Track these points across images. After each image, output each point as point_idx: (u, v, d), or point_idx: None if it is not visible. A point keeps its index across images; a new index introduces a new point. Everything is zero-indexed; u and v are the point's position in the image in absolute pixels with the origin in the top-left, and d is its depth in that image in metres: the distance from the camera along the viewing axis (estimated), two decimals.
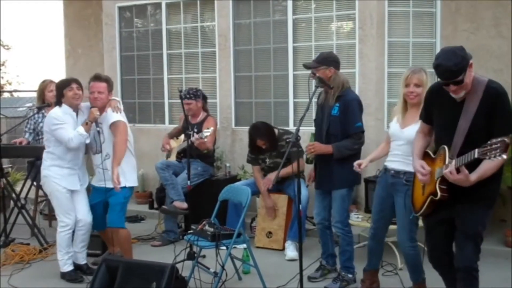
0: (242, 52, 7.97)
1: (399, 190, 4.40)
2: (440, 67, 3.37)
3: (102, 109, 5.40)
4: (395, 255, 5.62)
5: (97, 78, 5.44)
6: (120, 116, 5.38)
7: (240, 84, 8.04)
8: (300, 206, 4.46)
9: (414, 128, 4.18)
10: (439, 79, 3.45)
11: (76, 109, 5.39)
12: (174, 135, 7.20)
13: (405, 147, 4.38)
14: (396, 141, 4.52)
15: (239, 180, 7.05)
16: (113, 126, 5.34)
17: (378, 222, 4.67)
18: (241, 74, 8.01)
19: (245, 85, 8.03)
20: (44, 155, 5.43)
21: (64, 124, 5.24)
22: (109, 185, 5.29)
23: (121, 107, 5.46)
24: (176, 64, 8.52)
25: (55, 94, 5.47)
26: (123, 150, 5.31)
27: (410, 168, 4.08)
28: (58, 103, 5.38)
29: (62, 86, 5.36)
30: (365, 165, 4.68)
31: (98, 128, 5.35)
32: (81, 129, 5.26)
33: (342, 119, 4.92)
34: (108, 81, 5.45)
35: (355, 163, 4.72)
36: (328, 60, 5.04)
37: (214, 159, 7.29)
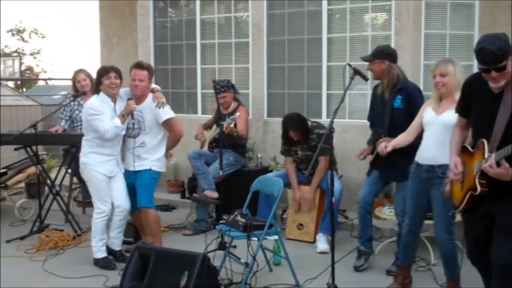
0: (275, 43, 7.93)
1: (435, 183, 4.33)
2: (483, 51, 3.25)
3: (142, 97, 5.44)
4: (429, 250, 5.54)
5: (139, 65, 5.47)
6: (171, 111, 5.49)
7: (273, 75, 8.00)
8: (333, 198, 4.42)
9: (450, 113, 4.13)
10: (479, 66, 3.34)
11: (114, 97, 5.43)
12: (208, 126, 7.21)
13: (440, 134, 4.29)
14: (430, 129, 4.42)
15: (271, 171, 7.03)
16: (167, 124, 5.48)
17: (413, 218, 4.60)
18: (274, 65, 7.96)
19: (278, 76, 7.99)
20: (83, 142, 5.49)
21: (100, 114, 5.28)
22: (138, 168, 5.47)
23: (164, 100, 5.50)
24: (209, 54, 8.51)
25: (95, 81, 5.50)
26: (177, 142, 5.60)
27: (445, 160, 4.00)
28: (97, 90, 5.43)
29: (101, 73, 5.39)
30: (390, 149, 4.72)
31: (132, 120, 5.41)
32: (117, 121, 5.29)
33: (406, 111, 4.90)
34: (150, 69, 5.49)
35: (381, 145, 4.76)
36: (383, 54, 5.11)
37: (246, 149, 7.28)
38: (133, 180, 5.54)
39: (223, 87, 6.84)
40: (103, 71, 5.40)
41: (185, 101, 8.79)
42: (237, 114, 6.24)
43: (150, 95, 5.48)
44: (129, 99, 5.40)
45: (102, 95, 5.38)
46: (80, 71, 6.81)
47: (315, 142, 6.09)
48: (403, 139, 4.72)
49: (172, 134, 5.57)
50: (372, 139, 5.45)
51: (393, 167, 5.05)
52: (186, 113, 8.72)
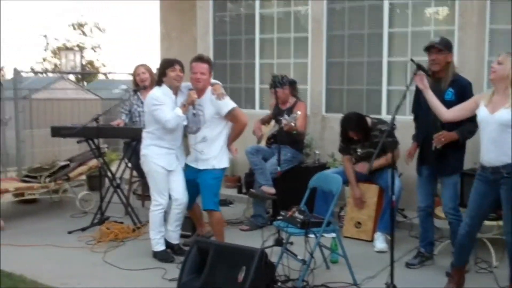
0: (335, 38, 7.88)
1: (503, 183, 4.26)
2: None
3: (202, 91, 5.46)
4: (490, 252, 5.41)
5: (199, 58, 5.48)
6: (231, 102, 5.49)
7: (332, 70, 7.96)
8: (393, 196, 4.37)
9: (504, 112, 4.15)
10: None
11: (176, 90, 5.50)
12: (266, 121, 7.23)
13: (496, 134, 4.22)
14: (485, 129, 4.34)
15: (328, 168, 7.00)
16: (230, 115, 5.47)
17: (474, 219, 4.51)
18: (334, 60, 7.92)
19: (337, 71, 7.94)
20: (144, 134, 5.59)
21: (162, 105, 5.34)
22: (201, 166, 5.48)
23: (224, 91, 5.53)
24: (268, 49, 8.53)
25: (158, 72, 5.53)
26: (242, 132, 5.57)
27: (508, 159, 4.02)
28: (159, 82, 5.48)
29: (166, 65, 5.44)
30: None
31: (194, 111, 5.42)
32: (179, 111, 5.34)
33: (457, 104, 4.81)
34: (210, 63, 5.51)
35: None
36: (451, 46, 5.11)
37: (303, 145, 7.27)
38: (195, 176, 5.57)
39: (279, 82, 6.85)
40: (169, 63, 5.45)
41: (243, 96, 8.84)
42: (298, 113, 6.20)
43: (209, 89, 5.51)
44: (190, 89, 5.47)
45: (164, 87, 5.44)
46: (141, 65, 6.92)
47: (378, 138, 5.99)
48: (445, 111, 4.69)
49: (237, 124, 5.51)
50: (417, 134, 5.38)
51: (445, 161, 5.00)
52: (244, 108, 8.72)
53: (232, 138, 5.60)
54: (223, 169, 5.61)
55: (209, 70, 5.45)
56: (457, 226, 4.91)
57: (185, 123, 5.45)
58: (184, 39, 9.74)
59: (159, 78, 5.47)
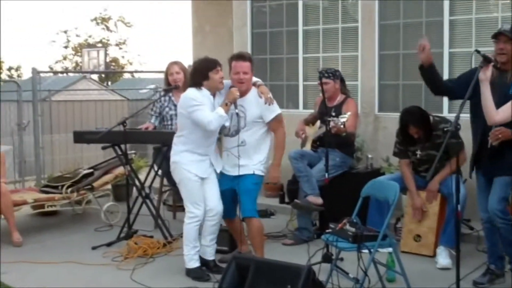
0: (388, 28, 7.83)
1: None
2: None
3: (245, 92, 5.51)
4: None
5: (241, 57, 5.53)
6: (277, 107, 5.58)
7: (386, 63, 7.91)
8: (458, 206, 4.31)
9: None
10: None
11: (215, 92, 5.53)
12: (310, 121, 7.20)
13: None
14: None
15: (383, 174, 6.94)
16: (275, 121, 5.56)
17: None
18: (387, 52, 7.88)
19: (391, 65, 7.88)
20: (175, 139, 5.61)
21: (202, 105, 5.35)
22: (239, 172, 5.50)
23: (271, 94, 5.57)
24: (313, 41, 8.52)
25: (194, 75, 5.52)
26: (284, 143, 5.65)
27: None
28: (197, 84, 5.46)
29: (207, 67, 5.43)
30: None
31: (236, 110, 5.44)
32: (221, 110, 5.34)
33: None
34: (252, 60, 5.56)
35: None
36: None
37: (354, 149, 7.23)
38: (232, 185, 5.59)
39: (327, 73, 6.83)
40: (211, 64, 5.44)
41: (285, 94, 8.84)
42: (348, 113, 6.15)
43: (253, 89, 5.52)
44: (231, 87, 5.49)
45: (204, 90, 5.44)
46: (175, 63, 6.96)
47: (441, 139, 5.91)
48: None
49: (278, 132, 5.59)
50: (474, 133, 5.28)
51: (499, 160, 4.95)
52: (285, 107, 8.74)
53: (279, 153, 5.66)
54: (263, 176, 5.65)
55: (251, 68, 5.51)
56: (508, 232, 4.88)
57: (227, 123, 5.50)
58: (219, 33, 9.80)
59: (198, 81, 5.46)
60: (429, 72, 5.22)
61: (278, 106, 5.61)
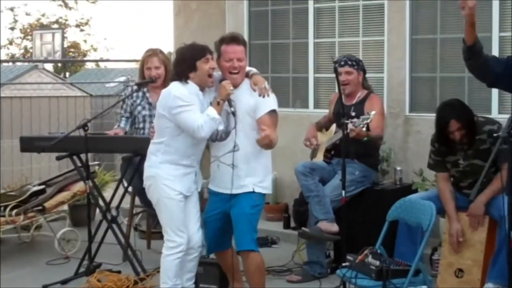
0: (422, 6, 7.85)
1: None
2: None
3: (239, 85, 5.50)
4: None
5: (233, 39, 5.48)
6: (275, 101, 5.47)
7: (419, 51, 7.94)
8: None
9: None
10: None
11: (204, 87, 5.51)
12: (323, 125, 7.20)
13: None
14: None
15: (415, 191, 6.93)
16: (265, 118, 5.40)
17: None
18: (421, 36, 7.91)
19: (426, 52, 7.92)
20: (152, 147, 5.57)
21: (190, 105, 5.30)
22: (235, 190, 5.41)
23: (268, 86, 5.52)
24: (327, 22, 8.55)
25: (178, 66, 5.47)
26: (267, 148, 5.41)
27: None
28: (182, 77, 5.42)
29: (195, 55, 5.40)
30: None
31: (231, 109, 5.38)
32: (212, 112, 5.29)
33: None
34: (245, 42, 5.54)
35: None
36: None
37: (378, 159, 7.25)
38: (224, 208, 5.53)
39: (350, 60, 6.83)
40: (200, 51, 5.41)
41: (291, 90, 8.86)
42: (372, 112, 6.13)
43: (245, 81, 5.49)
44: (221, 80, 5.45)
45: (191, 84, 5.42)
46: (153, 53, 6.95)
47: (485, 145, 5.91)
48: None
49: (263, 137, 5.26)
50: None
51: None
52: (292, 107, 8.77)
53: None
54: (264, 196, 5.60)
55: (245, 53, 5.50)
56: None
57: (221, 127, 5.44)
58: (207, 12, 9.79)
59: (183, 73, 5.42)
60: (475, 52, 5.20)
61: (275, 101, 5.50)
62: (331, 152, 6.98)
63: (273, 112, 5.44)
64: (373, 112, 6.11)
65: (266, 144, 5.23)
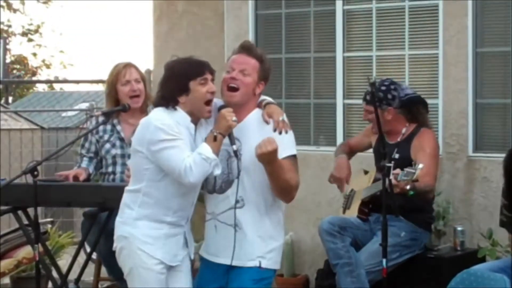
0: (490, 7, 7.90)
1: None
2: None
3: (241, 110, 5.45)
4: None
5: (244, 48, 5.47)
6: (293, 143, 5.43)
7: (486, 69, 7.98)
8: None
9: None
10: None
11: (197, 118, 5.49)
12: (357, 147, 7.23)
13: None
14: None
15: (483, 259, 6.93)
16: (285, 163, 5.35)
17: None
18: (489, 49, 7.97)
19: (496, 71, 7.94)
20: (127, 197, 5.53)
21: (177, 139, 5.26)
22: (235, 261, 5.37)
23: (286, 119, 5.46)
24: (361, 30, 8.61)
25: (165, 86, 5.42)
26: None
27: None
28: (169, 102, 5.41)
29: (188, 73, 5.36)
30: None
31: (234, 147, 5.31)
32: (206, 149, 5.22)
33: None
34: (262, 59, 5.47)
35: None
36: None
37: (432, 216, 7.25)
38: (221, 283, 5.51)
39: (378, 93, 6.83)
40: (197, 68, 5.38)
41: (312, 122, 8.90)
42: (420, 165, 6.11)
43: (256, 111, 5.45)
44: (221, 107, 5.40)
45: (180, 113, 5.44)
46: (128, 64, 6.96)
47: None
48: None
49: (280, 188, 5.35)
50: None
51: None
52: (313, 144, 8.78)
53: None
54: (274, 271, 5.59)
55: (258, 71, 5.42)
56: None
57: (217, 171, 5.39)
58: (199, 16, 9.85)
59: (170, 96, 5.40)
60: None
61: (293, 142, 5.47)
62: (368, 206, 6.96)
63: (292, 157, 5.39)
64: (420, 166, 6.08)
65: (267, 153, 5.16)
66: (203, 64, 5.38)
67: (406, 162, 6.38)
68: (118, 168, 6.82)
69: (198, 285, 5.63)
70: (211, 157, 5.19)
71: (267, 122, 5.36)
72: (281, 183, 5.25)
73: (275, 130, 5.32)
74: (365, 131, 7.44)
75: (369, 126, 7.35)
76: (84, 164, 7.00)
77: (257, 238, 5.40)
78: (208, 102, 5.33)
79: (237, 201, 5.38)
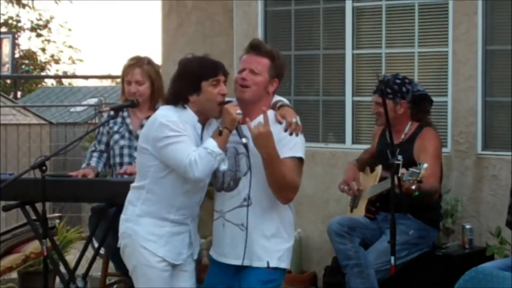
0: (500, 5, 7.89)
1: None
2: None
3: (250, 109, 5.43)
4: None
5: (253, 47, 5.44)
6: (302, 146, 5.38)
7: (496, 66, 7.99)
8: None
9: None
10: None
11: (206, 118, 5.45)
12: (366, 162, 7.19)
13: None
14: None
15: (491, 257, 6.92)
16: (290, 162, 5.29)
17: None
18: (498, 47, 7.96)
19: (505, 69, 7.91)
20: (131, 194, 5.54)
21: (181, 135, 5.24)
22: (245, 261, 5.31)
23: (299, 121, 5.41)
24: (370, 27, 8.61)
25: (177, 84, 5.41)
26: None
27: None
28: (178, 100, 5.41)
29: (202, 72, 5.35)
30: None
31: (244, 140, 5.25)
32: (211, 144, 5.21)
33: None
34: (274, 58, 5.42)
35: None
36: None
37: (440, 214, 7.24)
38: (229, 283, 5.49)
39: (388, 87, 6.81)
40: (210, 68, 5.36)
41: (321, 119, 8.90)
42: (424, 165, 6.09)
43: (269, 112, 5.35)
44: (226, 102, 5.36)
45: (187, 112, 5.38)
46: (137, 63, 6.91)
47: None
48: None
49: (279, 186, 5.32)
50: None
51: None
52: (321, 141, 8.76)
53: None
54: (284, 270, 5.56)
55: (268, 69, 5.38)
56: None
57: (224, 167, 5.37)
58: (208, 11, 9.84)
59: (181, 94, 5.40)
60: None
61: (303, 146, 5.43)
62: (375, 204, 6.94)
63: (297, 159, 5.35)
64: (425, 165, 6.06)
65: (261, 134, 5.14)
66: (217, 65, 5.36)
67: (409, 164, 6.35)
68: (126, 159, 6.80)
69: (207, 285, 5.62)
70: (216, 151, 5.17)
71: (279, 122, 5.30)
72: (276, 177, 5.20)
73: (285, 130, 5.29)
74: (373, 136, 7.43)
75: (376, 130, 7.35)
76: (93, 161, 6.98)
77: (264, 238, 5.37)
78: (220, 104, 5.28)
79: (245, 199, 5.36)
